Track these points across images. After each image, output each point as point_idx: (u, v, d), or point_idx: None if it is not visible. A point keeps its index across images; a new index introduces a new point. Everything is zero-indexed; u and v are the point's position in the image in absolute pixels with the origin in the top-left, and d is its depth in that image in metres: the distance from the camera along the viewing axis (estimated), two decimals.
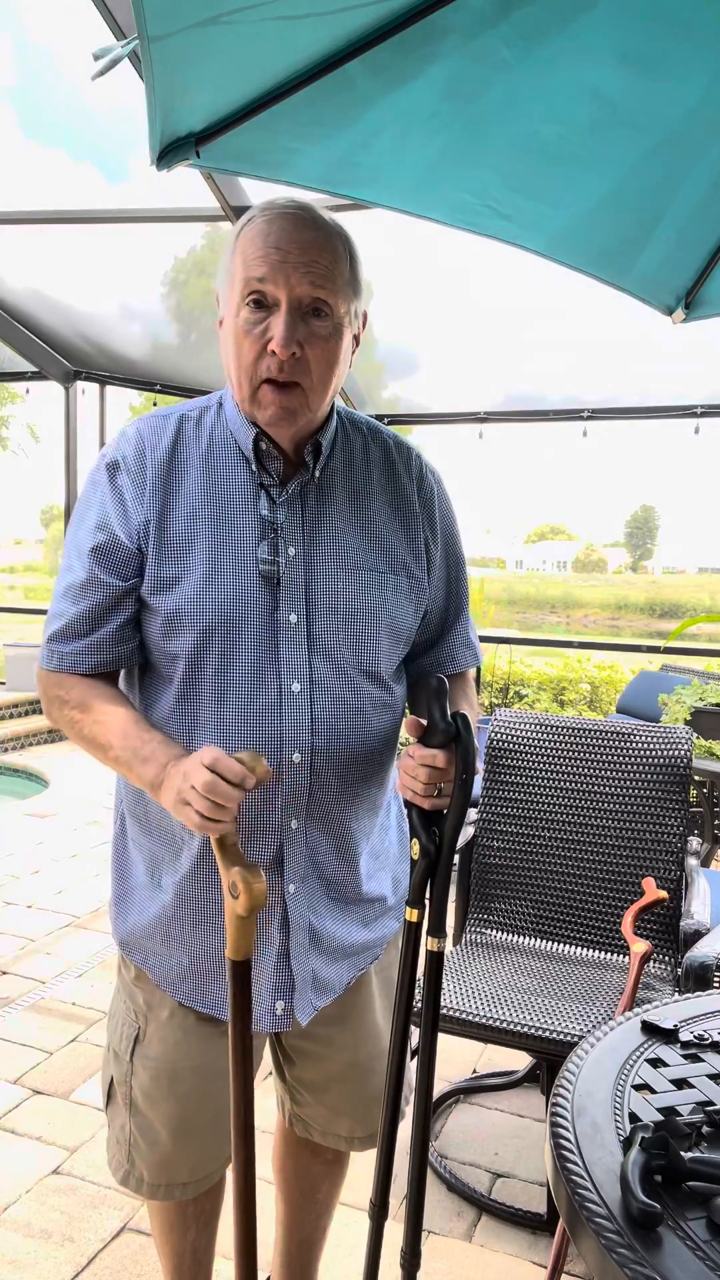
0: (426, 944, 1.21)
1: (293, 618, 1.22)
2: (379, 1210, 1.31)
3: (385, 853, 1.41)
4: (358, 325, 1.27)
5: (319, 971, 1.31)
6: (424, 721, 1.19)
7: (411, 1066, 1.53)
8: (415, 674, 1.41)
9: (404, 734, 1.29)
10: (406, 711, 1.43)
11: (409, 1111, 1.35)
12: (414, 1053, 1.57)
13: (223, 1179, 1.51)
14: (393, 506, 1.32)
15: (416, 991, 1.27)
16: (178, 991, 1.32)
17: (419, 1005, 1.28)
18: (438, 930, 1.20)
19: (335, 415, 1.32)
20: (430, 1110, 1.26)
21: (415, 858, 1.20)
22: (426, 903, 1.21)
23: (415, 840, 1.20)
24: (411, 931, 1.23)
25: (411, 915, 1.22)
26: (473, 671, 1.48)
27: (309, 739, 1.23)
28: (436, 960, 1.22)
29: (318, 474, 1.27)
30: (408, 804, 1.21)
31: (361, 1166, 1.61)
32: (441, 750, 1.16)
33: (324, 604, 1.24)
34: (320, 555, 1.25)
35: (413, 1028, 1.49)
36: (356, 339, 1.29)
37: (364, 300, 1.27)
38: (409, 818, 1.21)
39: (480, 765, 2.78)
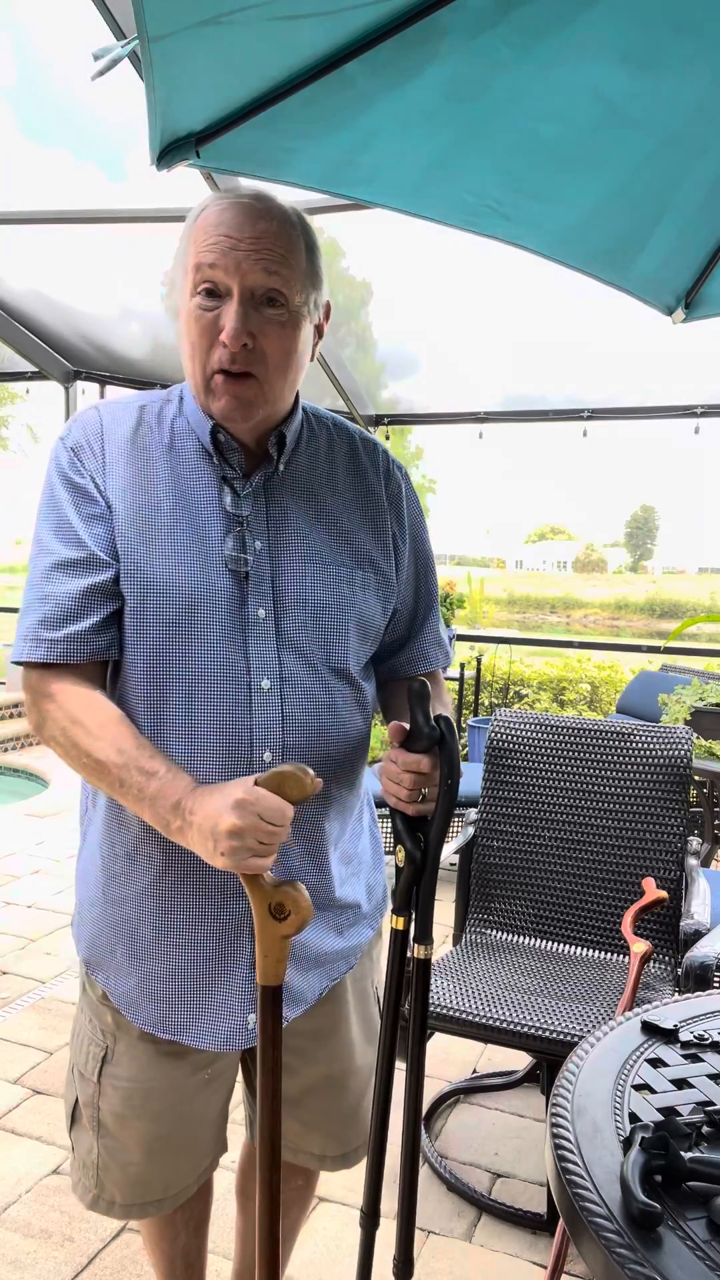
0: (414, 951, 1.20)
1: (261, 612, 1.19)
2: (369, 1219, 1.29)
3: (357, 858, 1.37)
4: (319, 316, 1.24)
5: (290, 981, 1.26)
6: (406, 726, 1.16)
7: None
8: (389, 675, 1.39)
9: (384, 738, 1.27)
10: (380, 717, 1.41)
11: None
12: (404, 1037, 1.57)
13: (210, 1185, 1.47)
14: (360, 502, 1.30)
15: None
16: (136, 1015, 1.26)
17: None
18: (424, 937, 1.18)
19: (300, 409, 1.29)
20: (420, 1118, 1.25)
21: (400, 865, 1.17)
22: (412, 911, 1.19)
23: (400, 847, 1.17)
24: (398, 939, 1.21)
25: (398, 923, 1.20)
26: (441, 671, 1.46)
27: (280, 736, 1.20)
28: (424, 968, 1.20)
29: (282, 466, 1.24)
30: (391, 811, 1.18)
31: (363, 1168, 1.60)
32: (425, 755, 1.13)
33: (292, 598, 1.21)
34: (286, 549, 1.22)
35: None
36: (320, 330, 1.26)
37: (325, 291, 1.24)
38: (393, 824, 1.19)
39: (480, 766, 2.78)
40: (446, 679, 1.47)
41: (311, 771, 1.06)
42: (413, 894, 1.18)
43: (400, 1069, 1.25)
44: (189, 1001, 1.24)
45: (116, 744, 1.12)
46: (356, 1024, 1.40)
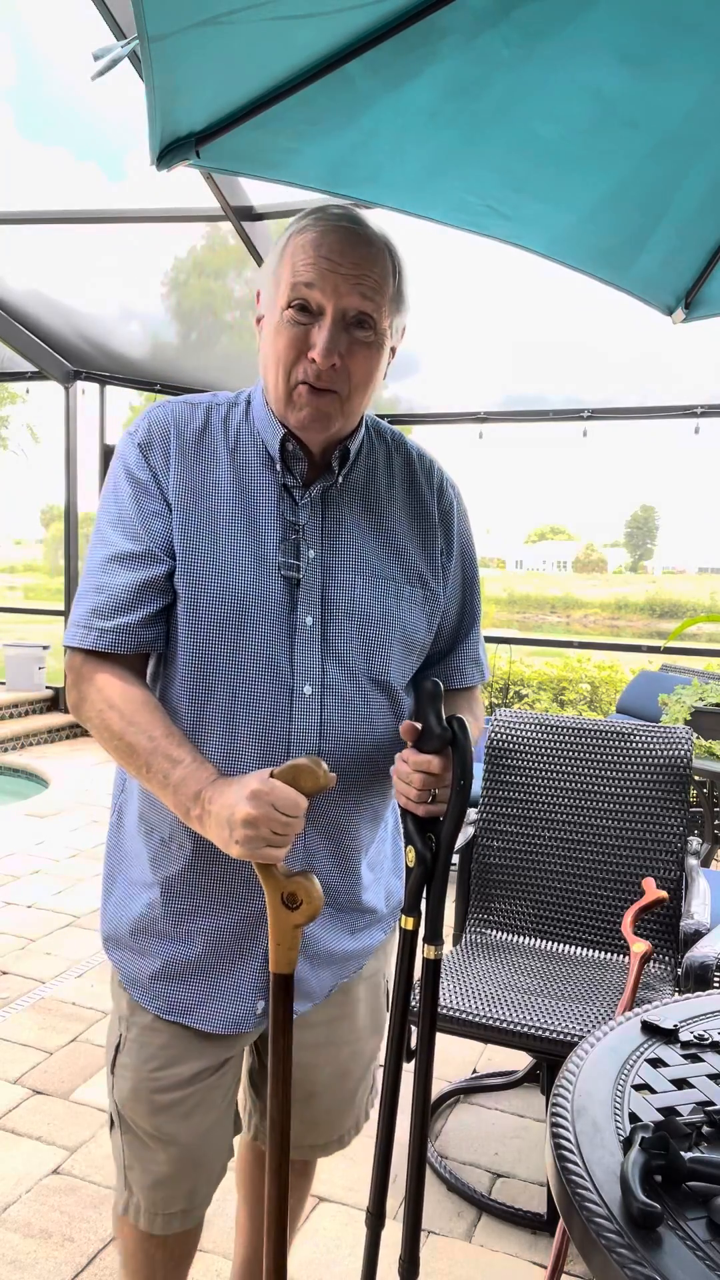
0: (423, 952, 1.20)
1: (308, 619, 1.22)
2: (375, 1219, 1.30)
3: (381, 864, 1.40)
4: (397, 338, 1.27)
5: (302, 976, 1.29)
6: (418, 725, 1.17)
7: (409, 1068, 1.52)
8: (415, 682, 1.39)
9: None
10: None
11: (372, 1114, 1.33)
12: (410, 1054, 1.57)
13: (200, 1222, 1.45)
14: (411, 517, 1.32)
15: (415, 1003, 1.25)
16: (144, 994, 1.28)
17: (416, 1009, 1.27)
18: (434, 938, 1.18)
19: (364, 424, 1.31)
20: (428, 1117, 1.26)
21: (410, 865, 1.18)
22: (422, 911, 1.19)
23: (410, 847, 1.18)
24: (407, 939, 1.21)
25: (407, 923, 1.20)
26: (479, 688, 1.47)
27: (317, 742, 1.22)
28: (433, 968, 1.21)
29: (341, 479, 1.26)
30: (403, 811, 1.19)
31: (363, 1168, 1.61)
32: (437, 755, 1.15)
33: (340, 608, 1.23)
34: (338, 560, 1.24)
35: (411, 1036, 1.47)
36: (394, 350, 1.28)
37: (406, 315, 1.26)
38: (404, 824, 1.20)
39: (480, 766, 2.78)
40: None
41: (325, 765, 1.07)
42: (422, 894, 1.19)
43: (407, 1070, 1.25)
44: (201, 985, 1.27)
45: (148, 731, 1.15)
46: (364, 1013, 1.42)
